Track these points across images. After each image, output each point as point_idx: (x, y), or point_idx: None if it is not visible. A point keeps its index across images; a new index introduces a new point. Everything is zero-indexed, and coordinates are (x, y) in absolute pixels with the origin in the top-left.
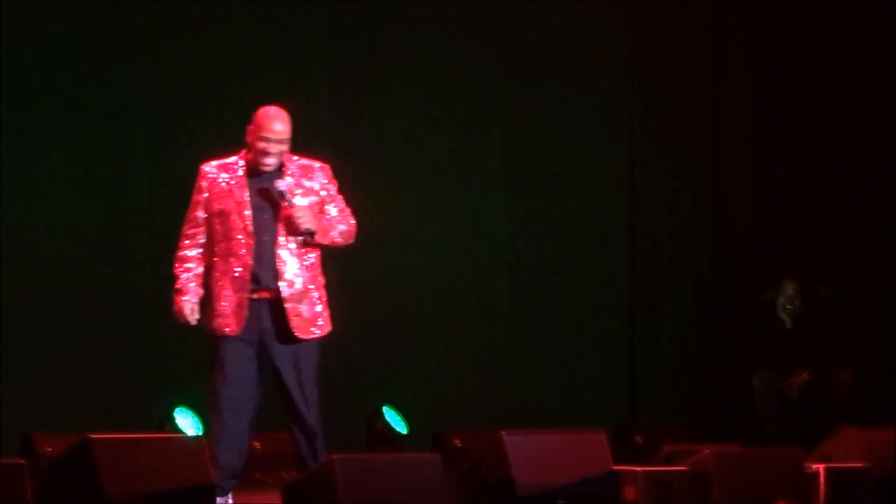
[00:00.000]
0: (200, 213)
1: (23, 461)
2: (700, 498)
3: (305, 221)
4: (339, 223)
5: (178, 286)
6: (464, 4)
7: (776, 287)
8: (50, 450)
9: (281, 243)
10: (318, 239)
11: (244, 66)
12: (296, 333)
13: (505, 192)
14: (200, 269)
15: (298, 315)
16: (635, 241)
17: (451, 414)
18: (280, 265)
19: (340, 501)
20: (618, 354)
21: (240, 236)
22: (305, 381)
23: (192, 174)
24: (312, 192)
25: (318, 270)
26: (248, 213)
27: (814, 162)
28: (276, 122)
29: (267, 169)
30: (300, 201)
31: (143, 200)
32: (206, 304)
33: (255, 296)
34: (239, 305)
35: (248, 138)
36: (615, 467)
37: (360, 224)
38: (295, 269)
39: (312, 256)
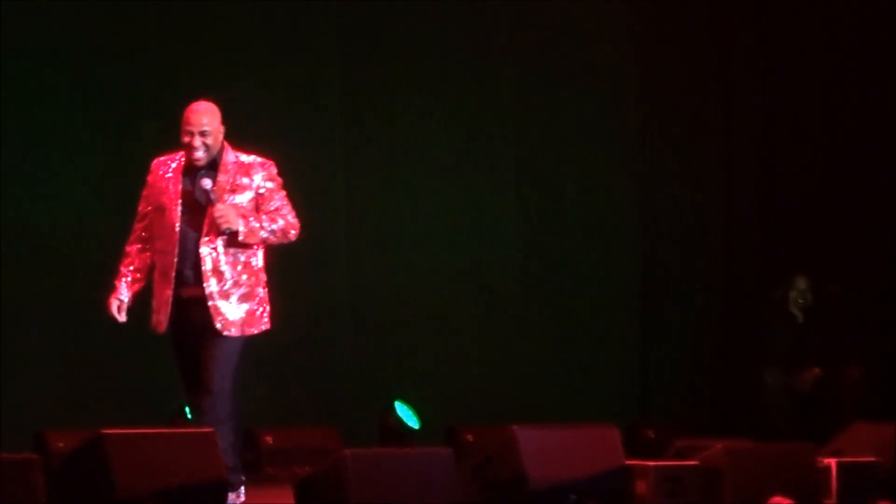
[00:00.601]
0: (143, 208)
1: (35, 456)
2: (711, 493)
3: (224, 221)
4: (273, 222)
5: (114, 282)
6: (475, 5)
7: (787, 282)
8: (62, 445)
9: (205, 241)
10: (246, 238)
11: (254, 67)
12: (219, 331)
13: (516, 190)
14: (140, 265)
15: (223, 313)
16: (645, 238)
17: (462, 410)
18: (203, 263)
19: (352, 496)
20: (628, 351)
21: (169, 233)
22: (212, 376)
23: None
24: (248, 189)
25: (253, 269)
26: (177, 209)
27: (822, 160)
28: (193, 115)
29: (198, 164)
30: (239, 198)
31: None
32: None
33: (180, 293)
34: (166, 302)
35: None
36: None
37: (367, 223)
38: (220, 267)
39: (247, 254)
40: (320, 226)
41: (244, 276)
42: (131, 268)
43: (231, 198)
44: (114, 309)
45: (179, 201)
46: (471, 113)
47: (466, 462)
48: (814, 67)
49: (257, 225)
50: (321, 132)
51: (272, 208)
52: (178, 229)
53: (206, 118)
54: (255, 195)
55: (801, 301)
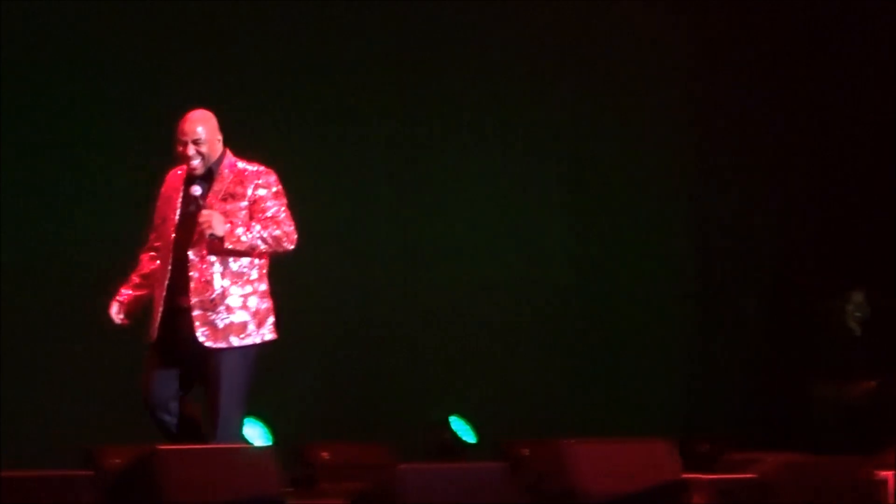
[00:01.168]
0: (154, 218)
1: (89, 473)
2: None
3: (207, 226)
4: (265, 229)
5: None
6: (529, 23)
7: (843, 295)
8: (117, 461)
9: (194, 250)
10: (230, 243)
11: (301, 84)
12: (206, 343)
13: (570, 205)
14: (148, 271)
15: (209, 324)
16: (698, 251)
17: (515, 423)
18: (192, 272)
19: None
20: (679, 364)
21: (166, 242)
22: (215, 393)
23: None
24: (242, 197)
25: (249, 278)
26: (175, 218)
27: (878, 174)
28: (186, 123)
29: (195, 172)
30: (232, 206)
31: None
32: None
33: (171, 303)
34: (157, 311)
35: None
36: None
37: (420, 239)
38: (209, 277)
39: (240, 264)
40: (373, 243)
41: (236, 287)
42: (138, 273)
43: (224, 206)
44: (112, 310)
45: (178, 211)
46: (525, 128)
47: (521, 476)
48: (868, 84)
49: (242, 230)
50: (375, 147)
51: (266, 216)
52: (172, 238)
53: (199, 126)
54: (249, 203)
55: (858, 314)
